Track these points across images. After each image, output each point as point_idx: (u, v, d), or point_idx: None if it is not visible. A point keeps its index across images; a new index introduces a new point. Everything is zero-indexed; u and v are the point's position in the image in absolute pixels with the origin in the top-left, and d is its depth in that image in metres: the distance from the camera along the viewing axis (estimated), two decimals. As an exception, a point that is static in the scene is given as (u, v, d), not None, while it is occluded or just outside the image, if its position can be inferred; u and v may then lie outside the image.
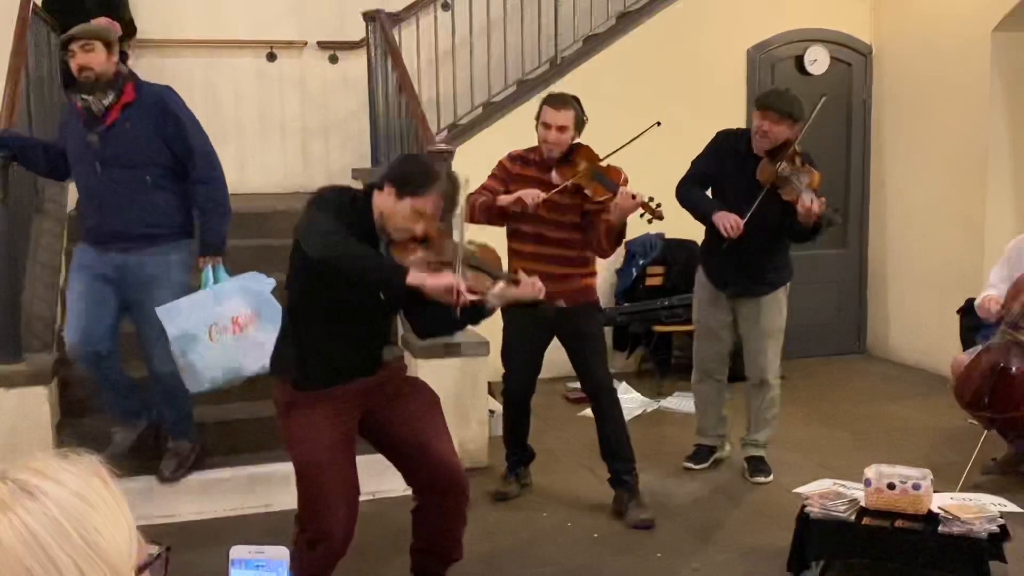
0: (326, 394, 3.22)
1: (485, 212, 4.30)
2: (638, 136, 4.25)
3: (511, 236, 4.43)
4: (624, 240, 4.34)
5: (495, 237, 4.50)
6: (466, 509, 3.45)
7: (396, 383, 3.42)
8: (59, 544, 0.86)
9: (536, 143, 4.39)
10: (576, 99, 4.37)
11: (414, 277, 3.03)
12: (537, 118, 4.37)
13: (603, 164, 4.26)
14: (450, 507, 3.38)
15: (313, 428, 3.20)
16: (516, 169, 4.38)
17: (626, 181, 4.18)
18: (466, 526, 3.49)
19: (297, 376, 3.26)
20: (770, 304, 4.73)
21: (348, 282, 3.11)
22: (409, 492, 3.49)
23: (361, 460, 3.33)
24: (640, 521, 4.30)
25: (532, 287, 3.30)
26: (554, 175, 4.27)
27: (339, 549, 3.21)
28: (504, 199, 4.25)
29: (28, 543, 0.85)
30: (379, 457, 4.21)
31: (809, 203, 4.27)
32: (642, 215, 4.12)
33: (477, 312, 3.29)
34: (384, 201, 3.16)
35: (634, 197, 4.04)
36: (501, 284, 3.26)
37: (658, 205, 4.13)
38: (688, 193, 4.66)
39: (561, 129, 4.27)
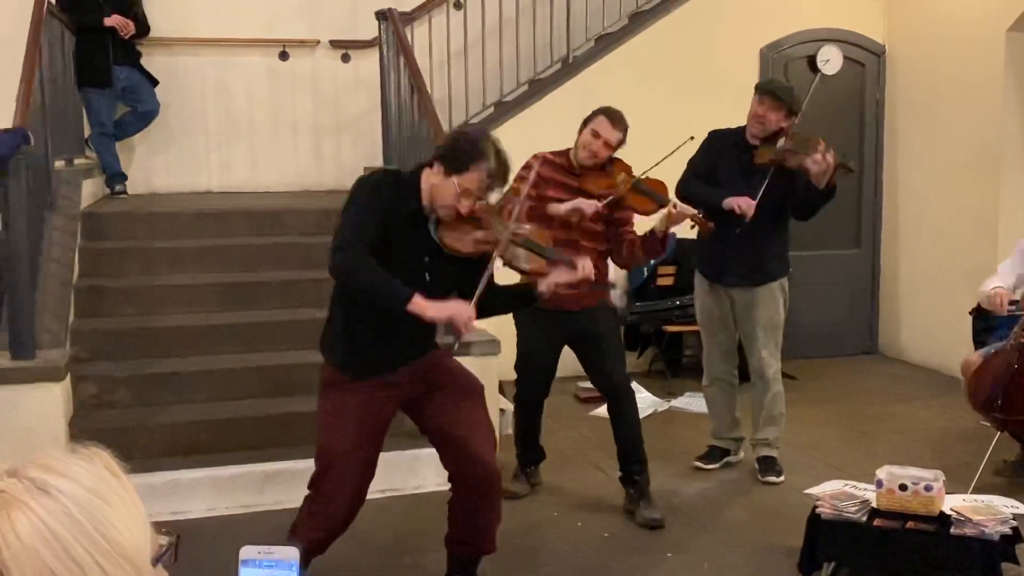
0: (365, 383, 3.27)
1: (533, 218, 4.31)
2: (674, 151, 4.29)
3: None
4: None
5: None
6: (498, 504, 3.48)
7: (436, 373, 3.42)
8: (79, 541, 0.86)
9: (567, 147, 4.37)
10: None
11: (415, 307, 3.07)
12: (585, 123, 4.33)
13: (643, 177, 4.27)
14: (478, 501, 3.42)
15: (341, 415, 3.27)
16: (548, 173, 4.30)
17: (667, 192, 4.25)
18: (500, 522, 3.52)
19: (340, 359, 3.33)
20: (765, 297, 4.74)
21: (393, 268, 3.15)
22: (441, 488, 3.66)
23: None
24: (650, 520, 4.30)
25: (583, 270, 3.38)
26: (588, 183, 4.26)
27: (337, 527, 3.35)
28: (558, 208, 4.21)
29: (48, 541, 0.85)
30: (411, 453, 4.28)
31: (822, 156, 4.31)
32: (692, 227, 4.23)
33: (529, 297, 3.43)
34: (433, 179, 3.21)
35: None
36: (550, 266, 3.37)
37: (710, 220, 4.20)
38: (692, 188, 4.70)
39: (607, 145, 4.25)
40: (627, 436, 4.44)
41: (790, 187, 4.53)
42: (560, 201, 4.25)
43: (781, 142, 4.53)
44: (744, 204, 4.47)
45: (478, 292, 3.19)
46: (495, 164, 3.17)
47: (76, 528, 0.87)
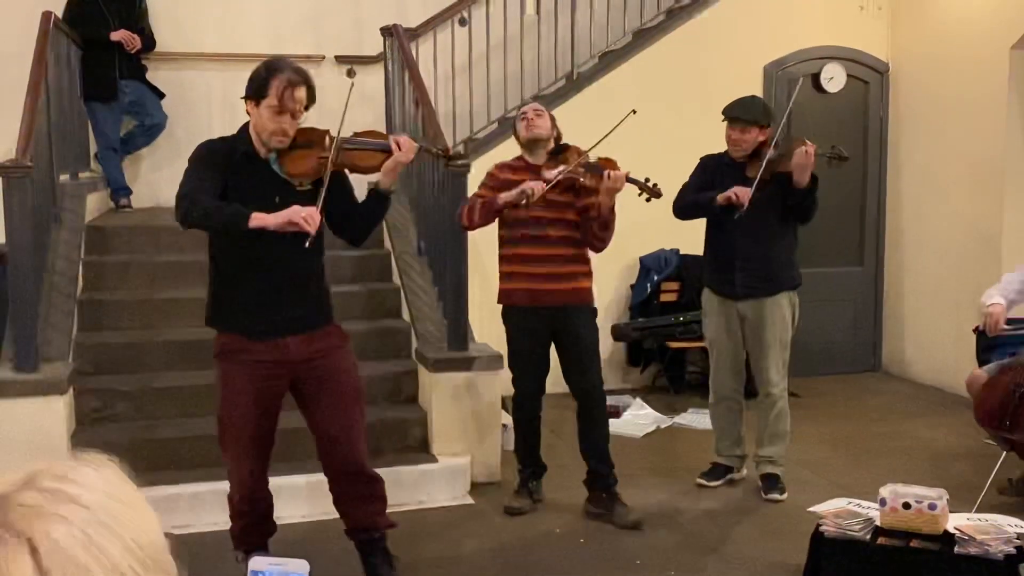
0: (249, 351, 3.42)
1: (485, 212, 4.39)
2: (616, 127, 4.26)
3: (511, 241, 4.49)
4: (612, 230, 4.41)
5: (490, 244, 4.52)
6: (375, 491, 3.68)
7: (329, 367, 3.55)
8: (113, 545, 0.86)
9: (518, 154, 4.55)
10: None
11: (255, 220, 3.24)
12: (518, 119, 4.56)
13: (592, 157, 4.36)
14: (354, 493, 3.66)
15: (233, 385, 3.46)
16: (505, 175, 4.47)
17: (616, 168, 4.29)
18: (385, 503, 3.73)
19: (219, 319, 3.51)
20: (774, 312, 4.74)
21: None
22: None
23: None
24: (632, 521, 4.38)
25: (408, 146, 3.52)
26: (544, 172, 4.35)
27: (247, 494, 3.54)
28: (505, 196, 4.32)
29: (87, 547, 0.85)
30: (417, 469, 4.77)
31: (804, 151, 4.40)
32: (640, 194, 4.25)
33: (380, 196, 3.58)
34: (251, 117, 3.42)
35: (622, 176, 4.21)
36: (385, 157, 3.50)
37: (654, 184, 4.23)
38: (684, 198, 4.80)
39: (537, 113, 4.45)
40: (597, 436, 4.53)
41: (788, 191, 4.56)
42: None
43: (769, 152, 4.56)
44: (738, 191, 4.50)
45: (321, 195, 3.36)
46: (287, 69, 3.37)
47: (109, 534, 0.87)
